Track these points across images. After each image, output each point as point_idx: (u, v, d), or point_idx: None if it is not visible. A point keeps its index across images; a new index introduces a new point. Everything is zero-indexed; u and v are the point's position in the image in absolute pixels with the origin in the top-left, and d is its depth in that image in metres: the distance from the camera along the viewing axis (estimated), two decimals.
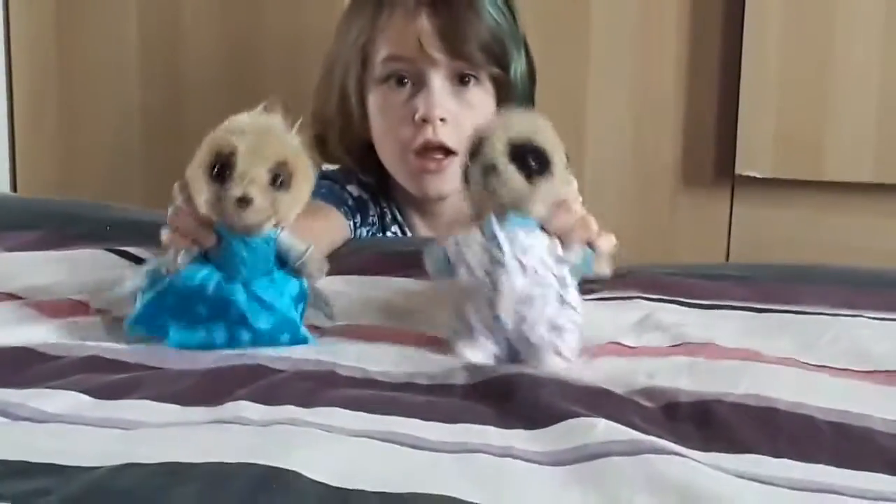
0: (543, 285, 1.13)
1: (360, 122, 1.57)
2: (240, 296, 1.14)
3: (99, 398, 1.01)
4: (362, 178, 1.64)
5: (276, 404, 0.99)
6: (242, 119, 1.12)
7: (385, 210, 1.65)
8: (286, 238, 1.15)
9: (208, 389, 1.03)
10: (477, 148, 1.12)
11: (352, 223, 1.57)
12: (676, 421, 1.01)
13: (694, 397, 1.04)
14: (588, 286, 1.41)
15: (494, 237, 1.12)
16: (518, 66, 1.55)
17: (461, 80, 1.54)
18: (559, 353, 1.13)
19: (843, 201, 1.87)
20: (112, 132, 2.07)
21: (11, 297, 1.26)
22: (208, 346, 1.14)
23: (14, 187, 2.20)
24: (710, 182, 1.92)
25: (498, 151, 1.11)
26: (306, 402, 1.00)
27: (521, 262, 1.13)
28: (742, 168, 1.86)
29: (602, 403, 1.02)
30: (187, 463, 0.86)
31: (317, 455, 0.89)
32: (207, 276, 1.14)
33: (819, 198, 1.87)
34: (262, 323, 1.14)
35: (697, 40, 1.88)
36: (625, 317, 1.30)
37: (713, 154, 1.91)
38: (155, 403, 1.00)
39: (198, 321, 1.14)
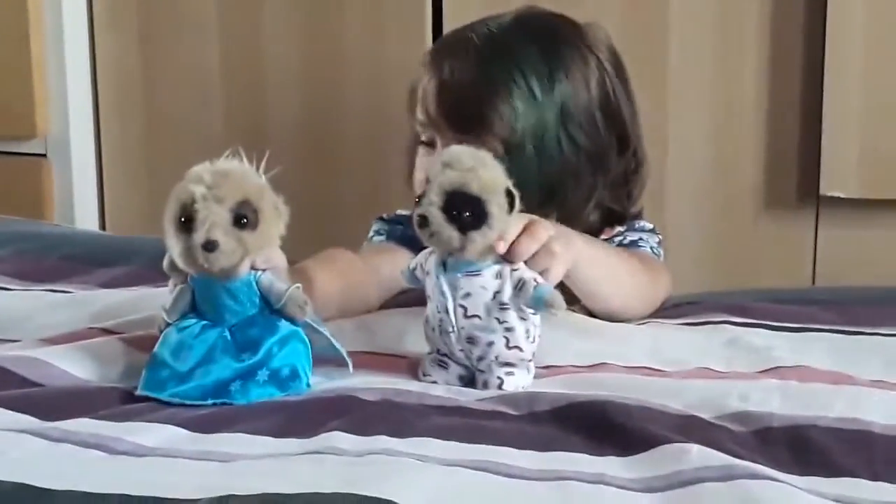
0: (487, 330, 1.15)
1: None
2: (219, 339, 1.14)
3: (195, 431, 1.02)
4: None
5: (368, 434, 1.00)
6: (201, 167, 1.12)
7: None
8: (267, 279, 1.14)
9: (301, 421, 1.04)
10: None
11: None
12: (770, 445, 1.00)
13: (787, 421, 1.04)
14: (672, 311, 1.41)
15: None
16: (538, 139, 1.41)
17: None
18: (501, 388, 1.15)
19: None
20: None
21: (105, 332, 1.28)
22: (200, 396, 1.11)
23: (103, 224, 2.24)
24: (794, 204, 1.90)
25: (431, 202, 1.11)
26: (399, 431, 1.01)
27: (463, 308, 1.14)
28: (826, 189, 1.84)
29: (693, 429, 1.02)
30: (284, 494, 0.87)
31: (411, 484, 0.90)
32: (192, 325, 1.14)
33: None
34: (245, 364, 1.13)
35: (778, 59, 1.87)
36: (712, 341, 1.29)
37: (796, 175, 1.90)
38: (249, 436, 1.01)
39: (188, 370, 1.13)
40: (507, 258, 1.14)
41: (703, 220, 1.94)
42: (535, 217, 1.18)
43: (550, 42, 1.46)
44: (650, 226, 1.54)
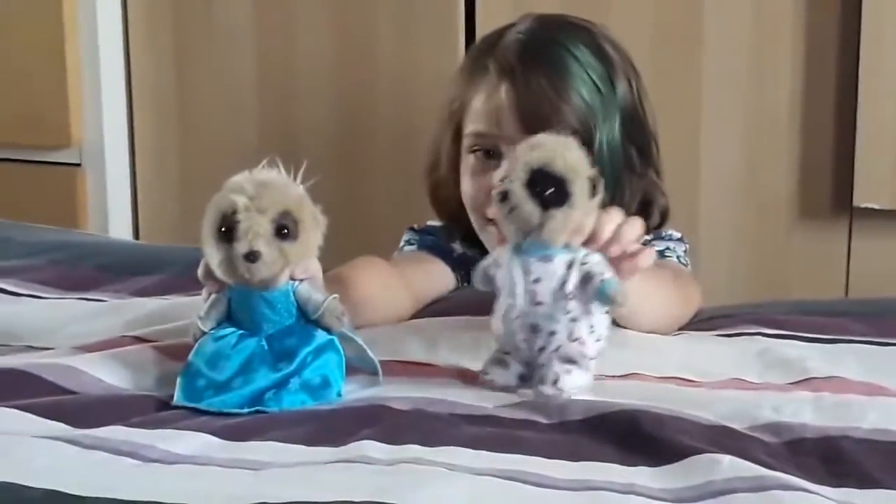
0: (551, 319, 1.14)
1: (451, 184, 1.54)
2: (257, 349, 1.14)
3: (227, 439, 1.03)
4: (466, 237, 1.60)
5: (399, 443, 1.00)
6: (241, 177, 1.13)
7: None
8: (304, 290, 1.15)
9: (332, 430, 1.04)
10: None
11: (458, 276, 1.55)
12: (802, 457, 1.00)
13: (820, 433, 1.03)
14: (705, 323, 1.40)
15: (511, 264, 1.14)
16: (608, 135, 1.45)
17: None
18: (556, 385, 1.13)
19: None
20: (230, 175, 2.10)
21: (139, 340, 1.29)
22: (238, 406, 1.11)
23: (136, 233, 2.25)
24: (828, 214, 1.89)
25: (515, 177, 1.11)
26: (429, 440, 1.01)
27: (532, 293, 1.13)
28: (860, 200, 1.83)
29: (725, 439, 1.02)
30: (315, 502, 0.87)
31: (441, 494, 0.90)
32: (229, 335, 1.15)
33: None
34: (282, 374, 1.13)
35: (813, 70, 1.86)
36: (745, 353, 1.29)
37: (830, 185, 1.89)
38: (281, 444, 1.01)
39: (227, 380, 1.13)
40: (587, 243, 1.13)
41: (736, 230, 1.93)
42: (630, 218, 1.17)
43: (593, 42, 1.48)
44: (678, 234, 1.53)
